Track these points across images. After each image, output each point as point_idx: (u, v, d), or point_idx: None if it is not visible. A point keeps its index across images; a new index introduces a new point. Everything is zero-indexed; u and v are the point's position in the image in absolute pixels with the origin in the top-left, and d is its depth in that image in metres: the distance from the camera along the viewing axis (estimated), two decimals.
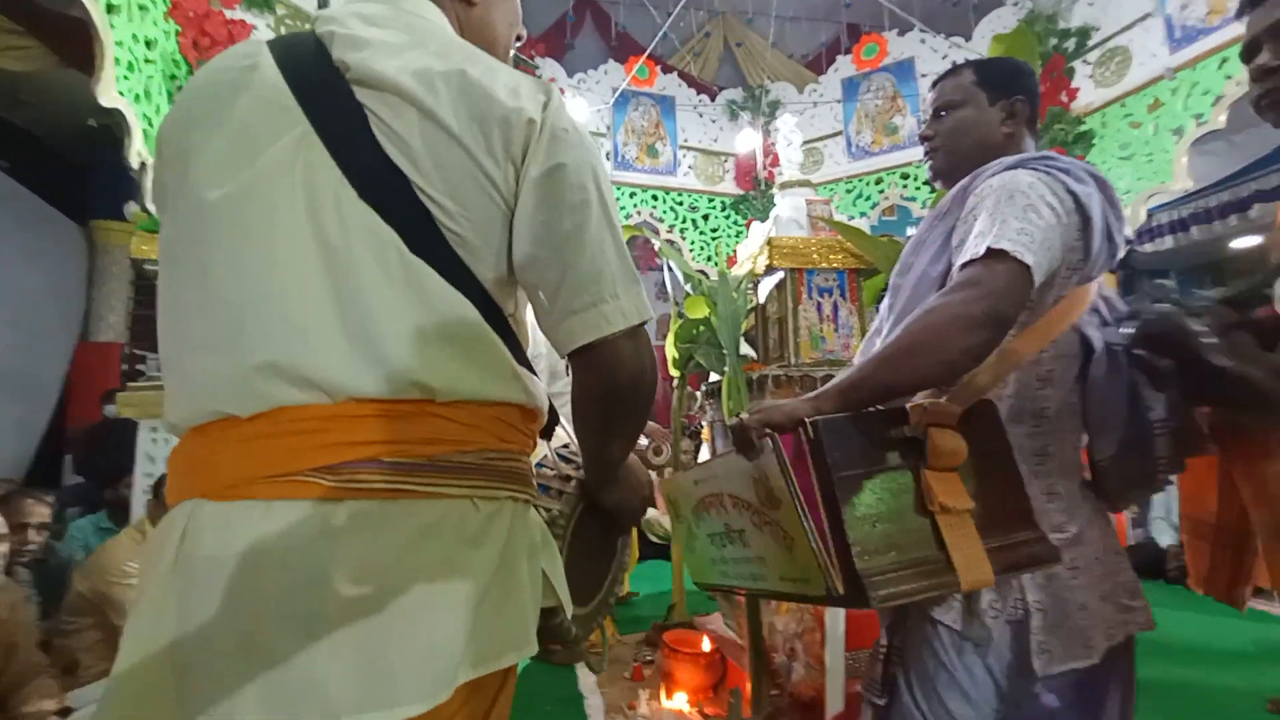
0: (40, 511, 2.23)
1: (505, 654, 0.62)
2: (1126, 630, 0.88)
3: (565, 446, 0.86)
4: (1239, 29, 0.92)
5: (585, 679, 2.59)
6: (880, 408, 0.78)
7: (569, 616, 0.73)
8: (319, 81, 0.63)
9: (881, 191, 5.30)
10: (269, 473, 0.57)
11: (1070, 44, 4.33)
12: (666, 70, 5.98)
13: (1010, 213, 0.83)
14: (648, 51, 5.38)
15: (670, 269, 3.27)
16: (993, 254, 0.80)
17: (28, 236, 4.95)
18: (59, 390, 5.29)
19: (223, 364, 0.60)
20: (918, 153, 5.29)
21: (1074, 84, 4.35)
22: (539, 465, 0.84)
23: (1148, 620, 0.88)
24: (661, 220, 5.63)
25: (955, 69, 1.07)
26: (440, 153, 0.61)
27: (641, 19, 6.95)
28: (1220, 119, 3.48)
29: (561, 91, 4.15)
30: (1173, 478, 0.94)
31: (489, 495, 0.64)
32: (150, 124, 2.83)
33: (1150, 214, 4.32)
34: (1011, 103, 1.01)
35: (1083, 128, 4.31)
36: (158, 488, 2.32)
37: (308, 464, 0.57)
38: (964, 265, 0.83)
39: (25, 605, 1.87)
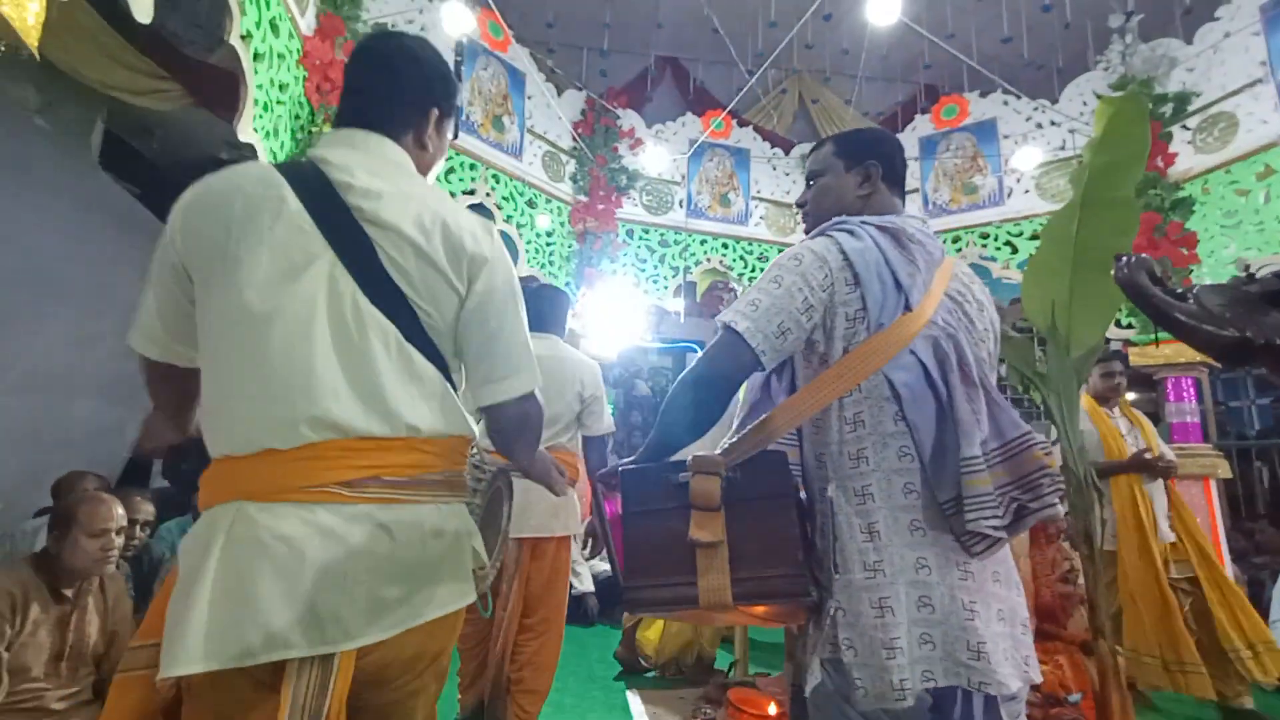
0: (146, 509, 2.35)
1: (458, 600, 0.92)
2: (955, 680, 0.84)
3: (476, 454, 1.11)
4: None
5: None
6: (672, 459, 0.99)
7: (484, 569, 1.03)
8: (336, 218, 0.88)
9: (959, 250, 5.20)
10: (303, 484, 0.82)
11: (1167, 109, 4.23)
12: (742, 124, 6.13)
13: (758, 285, 0.99)
14: (728, 109, 5.54)
15: None
16: (723, 324, 0.97)
17: (145, 255, 5.41)
18: None
19: (275, 413, 0.83)
20: (998, 212, 5.20)
21: (1171, 149, 4.22)
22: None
23: (995, 683, 0.84)
24: (730, 268, 5.69)
25: (820, 142, 1.21)
26: (428, 277, 0.90)
27: (718, 75, 7.20)
28: None
29: (640, 141, 4.35)
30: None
31: (446, 501, 0.93)
32: (275, 158, 3.09)
33: None
34: (865, 168, 1.12)
35: (1180, 194, 4.15)
36: None
37: (331, 480, 0.83)
38: None
39: (126, 597, 1.97)
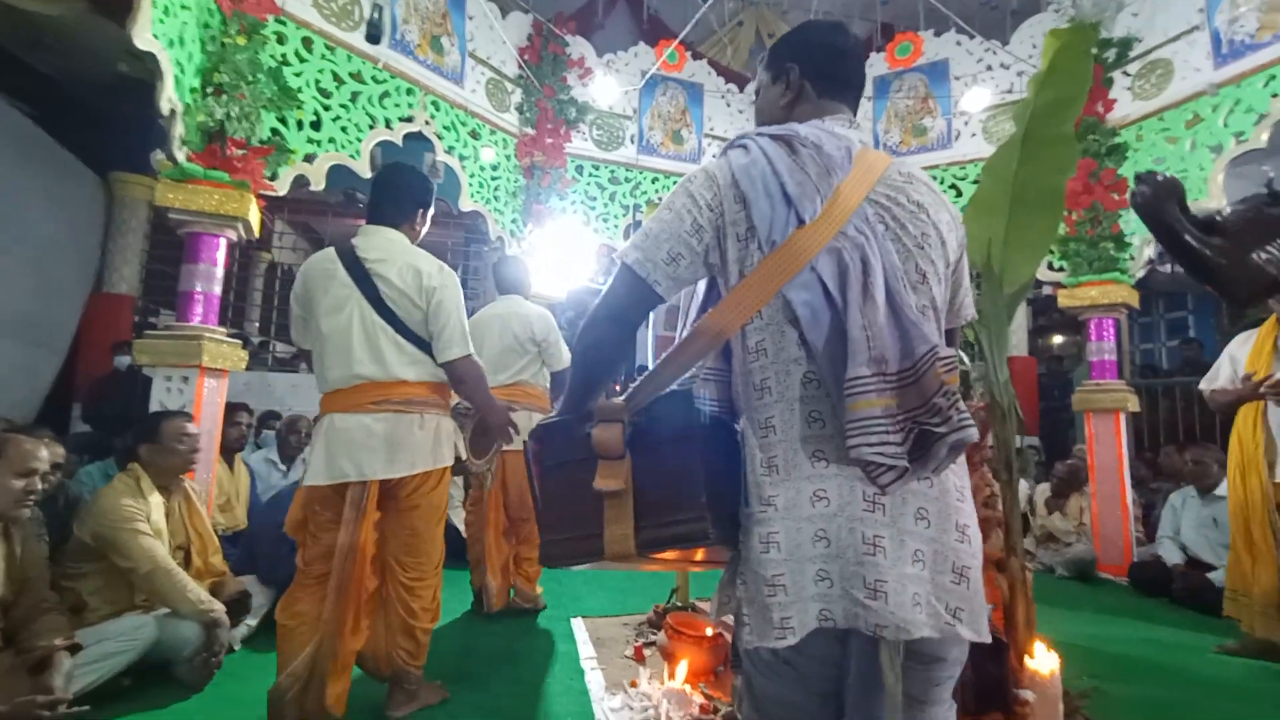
0: (56, 451, 2.20)
1: (431, 465, 1.97)
2: (853, 622, 0.78)
3: (461, 402, 2.17)
4: None
5: (586, 652, 2.59)
6: (581, 409, 0.94)
7: (469, 460, 2.34)
8: (361, 275, 1.91)
9: None
10: (354, 404, 1.88)
11: (1111, 54, 4.28)
12: (696, 57, 5.91)
13: (653, 214, 0.94)
14: (680, 37, 5.31)
15: None
16: (618, 259, 0.94)
17: (48, 184, 4.91)
18: (70, 339, 5.28)
19: (341, 372, 1.90)
20: (945, 155, 5.24)
21: (1111, 95, 4.30)
22: (458, 404, 2.20)
23: (894, 627, 0.76)
24: None
25: (761, 61, 1.14)
26: (405, 301, 1.92)
27: (673, 3, 6.89)
28: (1263, 137, 3.43)
29: (589, 71, 4.34)
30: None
31: (426, 413, 1.96)
32: (182, 70, 2.79)
33: None
34: (784, 73, 1.05)
35: (1117, 139, 4.26)
36: (139, 433, 2.40)
37: (366, 401, 1.89)
38: None
39: (36, 542, 1.87)
